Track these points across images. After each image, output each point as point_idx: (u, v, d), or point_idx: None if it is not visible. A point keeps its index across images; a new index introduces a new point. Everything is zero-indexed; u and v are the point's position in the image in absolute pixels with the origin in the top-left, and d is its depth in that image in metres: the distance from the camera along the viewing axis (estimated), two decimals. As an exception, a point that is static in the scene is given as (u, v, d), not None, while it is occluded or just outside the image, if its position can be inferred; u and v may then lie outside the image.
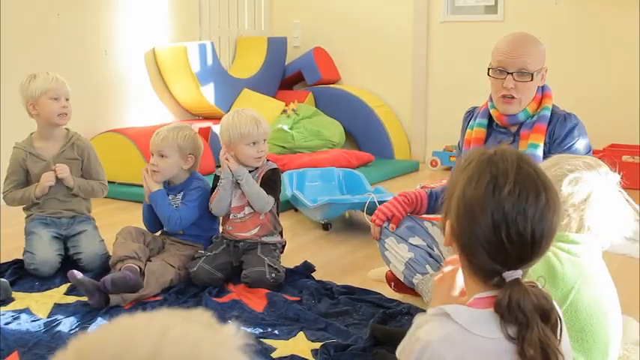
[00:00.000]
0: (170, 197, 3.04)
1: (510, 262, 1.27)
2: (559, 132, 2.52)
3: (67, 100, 3.12)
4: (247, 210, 3.01)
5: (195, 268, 2.90)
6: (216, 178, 3.05)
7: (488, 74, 2.59)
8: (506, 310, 1.24)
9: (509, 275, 1.27)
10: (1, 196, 3.22)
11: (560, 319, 1.29)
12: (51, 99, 3.07)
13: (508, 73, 2.50)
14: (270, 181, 3.01)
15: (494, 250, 1.26)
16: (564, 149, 2.45)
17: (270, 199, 2.99)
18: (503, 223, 1.25)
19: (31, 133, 3.19)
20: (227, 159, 2.96)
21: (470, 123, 2.73)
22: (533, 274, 1.58)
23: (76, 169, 3.20)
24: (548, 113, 2.55)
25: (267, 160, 3.09)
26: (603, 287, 1.70)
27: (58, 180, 3.12)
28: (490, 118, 2.66)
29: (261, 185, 2.98)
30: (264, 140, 2.98)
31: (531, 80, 2.50)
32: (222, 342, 0.68)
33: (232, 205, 3.01)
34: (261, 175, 3.01)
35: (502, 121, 2.62)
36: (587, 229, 1.68)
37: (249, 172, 3.00)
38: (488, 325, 1.25)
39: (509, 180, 1.27)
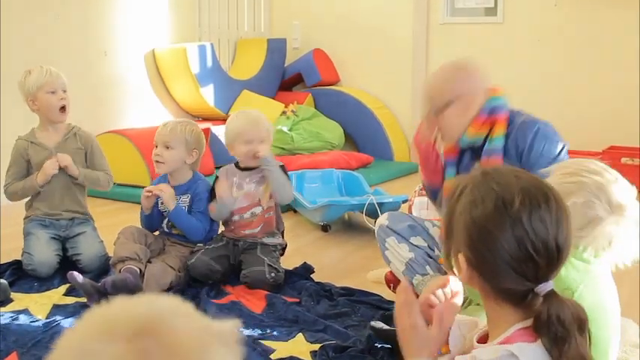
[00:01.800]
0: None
1: (541, 274, 1.22)
2: (522, 143, 2.38)
3: (64, 91, 3.12)
4: (256, 209, 3.01)
5: (193, 260, 2.91)
6: (217, 178, 3.05)
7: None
8: (546, 325, 1.20)
9: (543, 289, 1.22)
10: (1, 191, 3.22)
11: (589, 331, 1.25)
12: (48, 93, 3.08)
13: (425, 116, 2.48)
14: (284, 170, 3.04)
15: (524, 266, 1.22)
16: (535, 162, 2.30)
17: (293, 193, 3.04)
18: (525, 236, 1.21)
19: (33, 128, 3.20)
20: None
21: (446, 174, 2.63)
22: None
23: (80, 159, 3.19)
24: (501, 144, 2.40)
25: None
26: (606, 290, 1.70)
27: (62, 175, 3.11)
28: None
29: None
30: (262, 141, 2.97)
31: (442, 113, 2.41)
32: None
33: (238, 206, 3.00)
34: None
35: (451, 156, 2.55)
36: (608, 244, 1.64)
37: (252, 169, 3.01)
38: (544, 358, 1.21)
39: (515, 192, 1.23)
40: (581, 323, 1.23)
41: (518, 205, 1.22)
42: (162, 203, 3.00)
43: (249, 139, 2.94)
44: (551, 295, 1.23)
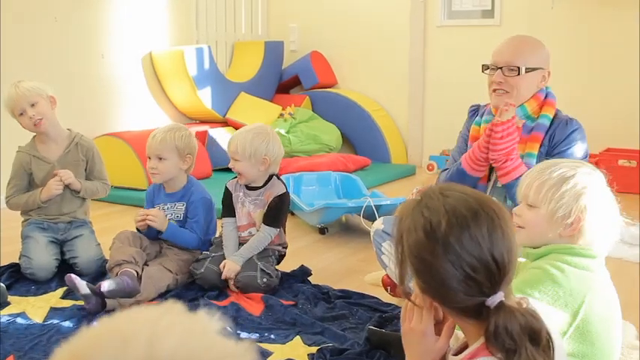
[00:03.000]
0: (169, 205, 3.03)
1: (486, 289, 1.21)
2: (560, 135, 2.54)
3: (32, 106, 3.04)
4: (253, 230, 3.01)
5: (202, 270, 2.89)
6: (226, 191, 3.05)
7: (483, 72, 2.68)
8: (493, 338, 1.19)
9: (491, 302, 1.21)
10: (2, 200, 3.21)
11: (550, 339, 1.22)
12: (19, 116, 3.06)
13: (498, 68, 2.58)
14: (275, 211, 2.97)
15: (466, 286, 1.21)
16: (562, 151, 2.48)
17: (271, 237, 2.98)
18: (459, 258, 1.20)
19: (34, 136, 3.18)
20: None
21: (476, 119, 2.73)
22: (535, 292, 1.58)
23: (81, 171, 3.19)
24: (547, 122, 2.56)
25: (278, 178, 3.05)
26: (610, 296, 1.70)
27: (65, 186, 3.12)
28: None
29: (266, 211, 2.97)
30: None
31: (518, 75, 2.55)
32: (203, 329, 0.68)
33: (239, 224, 3.02)
34: (268, 198, 2.98)
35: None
36: (590, 235, 1.67)
37: (254, 189, 2.99)
38: None
39: (441, 215, 1.22)
40: (533, 333, 1.20)
41: (445, 228, 1.21)
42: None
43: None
44: (500, 307, 1.21)
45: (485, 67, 2.65)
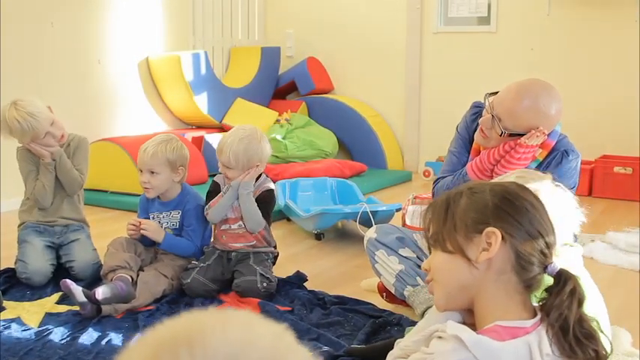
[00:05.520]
0: (164, 215, 3.02)
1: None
2: (553, 167, 2.41)
3: (52, 124, 3.03)
4: (242, 224, 3.00)
5: (188, 280, 2.88)
6: (215, 184, 3.03)
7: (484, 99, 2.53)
8: (556, 306, 1.25)
9: (552, 269, 1.31)
10: (1, 205, 3.19)
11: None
12: (41, 139, 3.03)
13: (491, 115, 2.43)
14: (264, 204, 2.98)
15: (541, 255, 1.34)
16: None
17: (263, 221, 2.97)
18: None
19: None
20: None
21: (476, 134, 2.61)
22: None
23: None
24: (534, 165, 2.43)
25: (267, 176, 3.06)
26: (598, 299, 1.70)
27: (59, 182, 3.10)
28: None
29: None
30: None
31: (500, 136, 2.40)
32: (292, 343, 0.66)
33: (229, 216, 3.00)
34: (256, 194, 2.97)
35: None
36: None
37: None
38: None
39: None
40: (581, 299, 1.29)
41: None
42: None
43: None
44: (562, 272, 1.32)
45: (488, 96, 2.48)
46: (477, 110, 2.68)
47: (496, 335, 1.22)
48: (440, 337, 1.26)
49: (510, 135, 2.39)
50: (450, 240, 1.35)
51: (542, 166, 2.43)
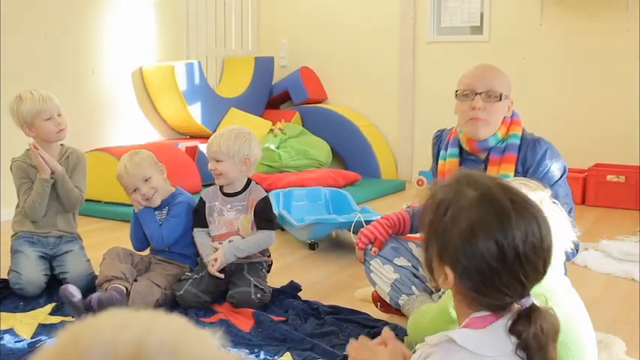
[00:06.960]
0: (156, 213, 3.03)
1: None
2: (531, 160, 2.50)
3: (59, 115, 3.10)
4: (235, 238, 2.97)
5: (182, 292, 2.87)
6: (201, 202, 3.02)
7: (455, 97, 2.62)
8: (532, 339, 1.25)
9: (525, 302, 1.28)
10: (1, 214, 3.18)
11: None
12: (44, 120, 3.06)
13: (477, 93, 2.53)
14: (265, 213, 2.97)
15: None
16: (540, 177, 2.41)
17: (272, 235, 2.97)
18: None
19: (27, 149, 3.16)
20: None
21: (441, 153, 2.72)
22: None
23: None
24: (517, 141, 2.54)
25: (257, 184, 3.06)
26: (577, 301, 1.71)
27: (53, 194, 3.09)
28: (461, 146, 2.66)
29: (255, 218, 2.95)
30: (218, 160, 2.93)
31: (499, 101, 2.52)
32: (201, 336, 0.69)
33: (217, 233, 2.98)
34: (252, 205, 2.96)
35: (472, 148, 2.61)
36: None
37: (234, 195, 2.99)
38: (495, 343, 1.26)
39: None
40: (555, 334, 1.29)
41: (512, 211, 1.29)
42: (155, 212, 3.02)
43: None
44: (534, 307, 1.29)
45: (463, 93, 2.58)
46: (437, 135, 2.84)
47: (477, 324, 1.29)
48: (429, 353, 1.30)
49: (504, 97, 2.54)
50: (428, 250, 1.39)
51: (520, 153, 2.52)
